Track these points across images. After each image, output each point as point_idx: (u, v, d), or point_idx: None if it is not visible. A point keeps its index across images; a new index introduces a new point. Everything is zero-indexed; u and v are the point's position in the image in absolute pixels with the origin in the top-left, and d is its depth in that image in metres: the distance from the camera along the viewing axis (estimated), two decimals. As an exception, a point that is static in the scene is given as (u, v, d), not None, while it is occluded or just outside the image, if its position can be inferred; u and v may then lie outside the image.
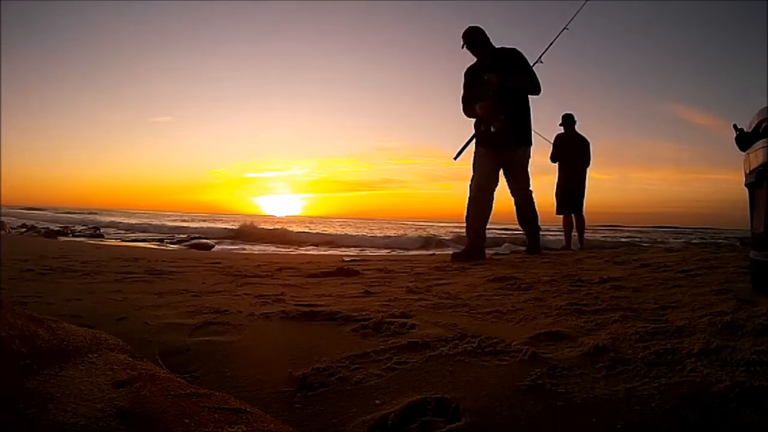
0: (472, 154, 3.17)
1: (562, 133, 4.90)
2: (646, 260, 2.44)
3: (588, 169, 4.91)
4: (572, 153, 4.84)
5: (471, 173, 3.15)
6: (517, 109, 3.06)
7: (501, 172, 3.13)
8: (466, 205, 3.13)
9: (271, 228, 9.96)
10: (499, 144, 3.01)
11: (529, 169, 3.17)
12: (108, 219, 14.93)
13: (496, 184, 3.13)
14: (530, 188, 3.18)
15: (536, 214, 3.25)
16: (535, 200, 3.21)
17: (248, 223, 10.51)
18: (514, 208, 3.22)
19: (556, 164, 4.93)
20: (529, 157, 3.15)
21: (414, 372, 0.78)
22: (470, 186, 3.13)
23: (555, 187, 4.93)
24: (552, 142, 4.90)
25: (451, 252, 3.40)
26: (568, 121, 4.89)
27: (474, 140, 3.19)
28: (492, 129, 2.94)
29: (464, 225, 3.15)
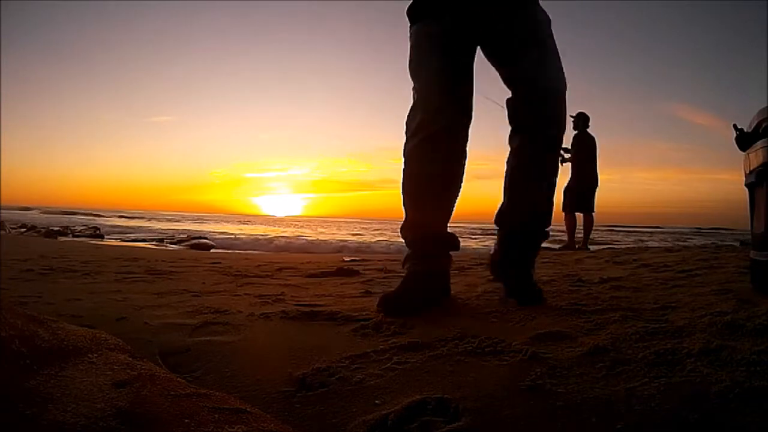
0: (411, 48, 1.31)
1: (580, 134, 4.92)
2: (646, 260, 2.44)
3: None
4: (588, 152, 4.89)
5: (413, 93, 1.27)
6: None
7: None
8: (404, 173, 1.29)
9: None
10: None
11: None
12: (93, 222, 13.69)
13: (469, 116, 1.27)
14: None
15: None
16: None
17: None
18: (519, 133, 1.28)
19: (564, 164, 4.96)
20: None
21: (414, 372, 0.78)
22: (409, 121, 1.26)
23: (567, 186, 4.94)
24: (573, 142, 4.91)
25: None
26: (585, 120, 4.91)
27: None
28: None
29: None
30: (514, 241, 1.34)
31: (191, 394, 0.58)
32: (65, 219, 15.05)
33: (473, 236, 12.49)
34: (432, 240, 1.30)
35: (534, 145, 1.28)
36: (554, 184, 1.35)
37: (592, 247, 5.05)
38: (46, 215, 18.04)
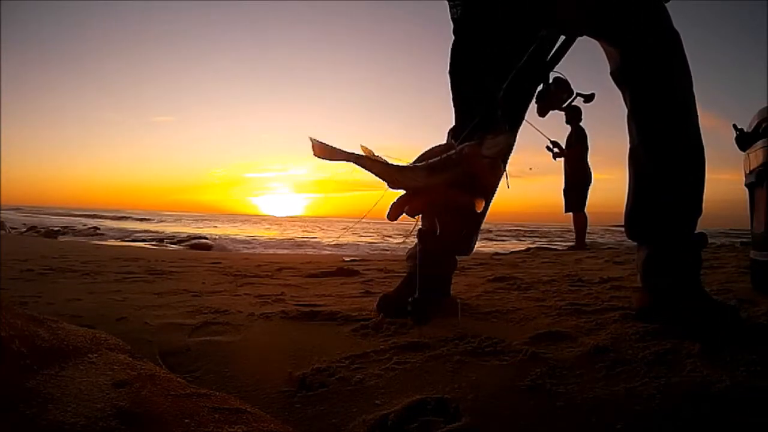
0: None
1: (577, 128, 4.89)
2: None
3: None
4: (585, 147, 4.87)
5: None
6: None
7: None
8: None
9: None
10: None
11: None
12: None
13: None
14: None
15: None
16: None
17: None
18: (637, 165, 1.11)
19: (561, 159, 4.93)
20: None
21: (414, 372, 0.78)
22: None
23: (572, 183, 4.89)
24: (583, 139, 4.87)
25: None
26: (579, 113, 4.86)
27: None
28: None
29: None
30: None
31: (191, 394, 0.58)
32: (45, 220, 14.09)
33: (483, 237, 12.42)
34: (442, 242, 1.22)
35: None
36: None
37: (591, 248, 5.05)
38: (24, 216, 16.24)
